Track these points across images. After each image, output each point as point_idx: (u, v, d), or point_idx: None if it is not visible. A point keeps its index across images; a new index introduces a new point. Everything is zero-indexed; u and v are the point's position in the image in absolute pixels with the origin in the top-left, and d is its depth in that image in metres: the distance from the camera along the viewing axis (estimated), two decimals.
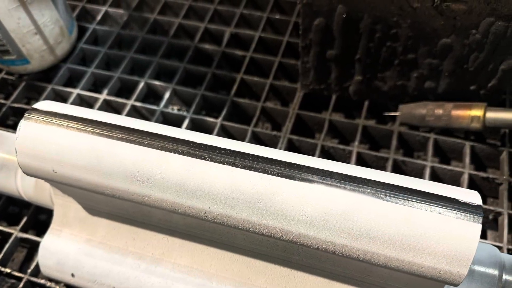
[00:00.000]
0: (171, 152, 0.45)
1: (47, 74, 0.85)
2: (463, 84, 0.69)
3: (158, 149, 0.45)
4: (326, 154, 0.73)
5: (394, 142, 0.72)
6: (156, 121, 0.77)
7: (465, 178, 0.68)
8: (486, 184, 0.69)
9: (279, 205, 0.42)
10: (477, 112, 0.67)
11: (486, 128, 0.67)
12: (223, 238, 0.52)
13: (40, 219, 0.71)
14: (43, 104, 0.50)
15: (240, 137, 0.76)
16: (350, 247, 0.42)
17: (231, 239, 0.52)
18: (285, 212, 0.42)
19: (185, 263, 0.54)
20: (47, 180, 0.53)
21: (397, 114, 0.74)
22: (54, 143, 0.47)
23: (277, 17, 0.90)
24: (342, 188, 0.42)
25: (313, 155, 0.72)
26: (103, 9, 0.94)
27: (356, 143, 0.73)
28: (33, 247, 0.68)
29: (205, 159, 0.44)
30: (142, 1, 0.96)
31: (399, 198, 0.41)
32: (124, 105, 0.79)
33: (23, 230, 0.67)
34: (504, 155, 0.69)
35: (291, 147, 0.74)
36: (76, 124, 0.48)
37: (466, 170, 0.68)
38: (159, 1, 0.95)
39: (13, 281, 0.63)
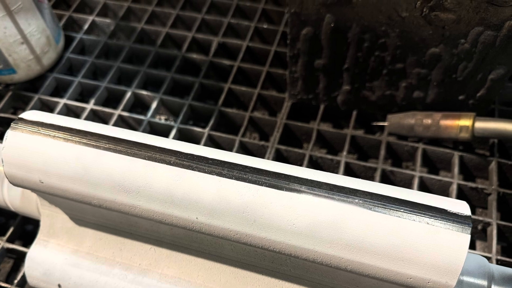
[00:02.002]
0: (158, 162, 0.45)
1: (33, 84, 0.85)
2: (451, 94, 0.69)
3: (145, 159, 0.45)
4: (314, 164, 0.73)
5: (382, 152, 0.72)
6: (143, 131, 0.76)
7: (453, 188, 0.68)
8: (475, 194, 0.69)
9: (266, 215, 0.42)
10: (465, 122, 0.67)
11: (474, 138, 0.67)
12: (211, 248, 0.52)
13: (26, 229, 0.71)
14: (30, 114, 0.50)
15: (227, 147, 0.76)
16: (338, 257, 0.42)
17: (219, 249, 0.51)
18: (273, 223, 0.42)
19: (172, 274, 0.54)
20: (33, 190, 0.52)
21: (385, 124, 0.74)
22: (40, 153, 0.47)
23: (265, 26, 0.90)
24: (330, 198, 0.42)
25: (301, 165, 0.72)
26: (90, 18, 0.94)
27: (345, 153, 0.73)
28: (20, 258, 0.68)
29: (192, 169, 0.44)
30: (129, 11, 0.95)
31: (388, 209, 0.41)
32: (111, 115, 0.79)
33: (10, 240, 0.67)
34: (493, 165, 0.69)
35: (279, 157, 0.74)
36: (63, 134, 0.47)
37: (455, 180, 0.68)
38: (146, 10, 0.94)
39: None
